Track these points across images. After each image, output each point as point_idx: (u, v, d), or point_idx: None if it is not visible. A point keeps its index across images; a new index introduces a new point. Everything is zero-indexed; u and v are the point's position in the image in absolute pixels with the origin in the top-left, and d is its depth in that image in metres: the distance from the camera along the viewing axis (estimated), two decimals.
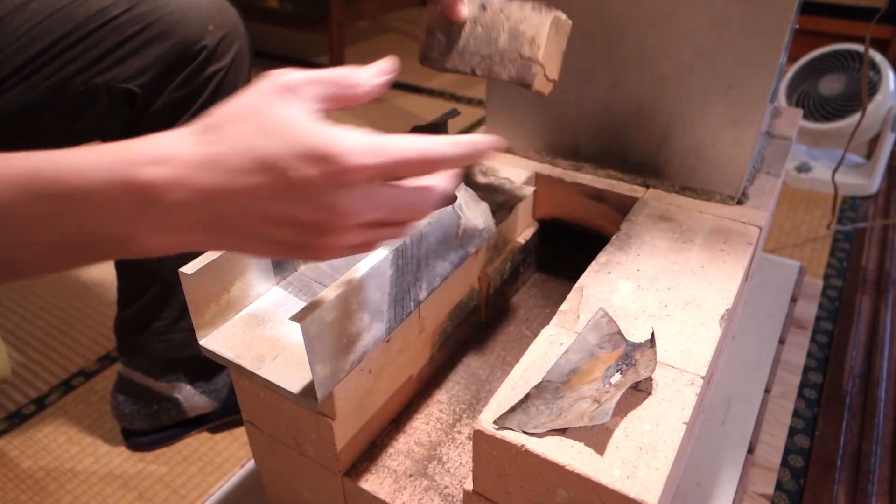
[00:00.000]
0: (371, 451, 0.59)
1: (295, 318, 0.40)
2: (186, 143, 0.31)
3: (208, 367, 0.86)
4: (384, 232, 0.36)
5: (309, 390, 0.46)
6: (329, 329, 0.43)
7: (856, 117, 1.36)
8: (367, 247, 0.36)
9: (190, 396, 0.85)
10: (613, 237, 0.62)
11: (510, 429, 0.42)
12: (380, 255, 0.46)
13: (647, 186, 0.72)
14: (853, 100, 1.40)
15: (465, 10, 0.54)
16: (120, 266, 0.80)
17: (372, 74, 0.36)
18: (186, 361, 0.84)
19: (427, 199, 0.36)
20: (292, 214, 0.32)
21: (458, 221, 0.56)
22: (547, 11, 0.53)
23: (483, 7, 0.54)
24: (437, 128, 0.68)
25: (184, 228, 0.32)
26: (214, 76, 0.69)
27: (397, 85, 2.18)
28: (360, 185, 0.32)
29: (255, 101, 0.32)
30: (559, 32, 0.55)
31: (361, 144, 0.31)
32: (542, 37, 0.53)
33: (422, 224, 0.51)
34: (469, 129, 1.67)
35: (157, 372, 0.83)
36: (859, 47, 1.40)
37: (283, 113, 0.31)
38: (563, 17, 0.55)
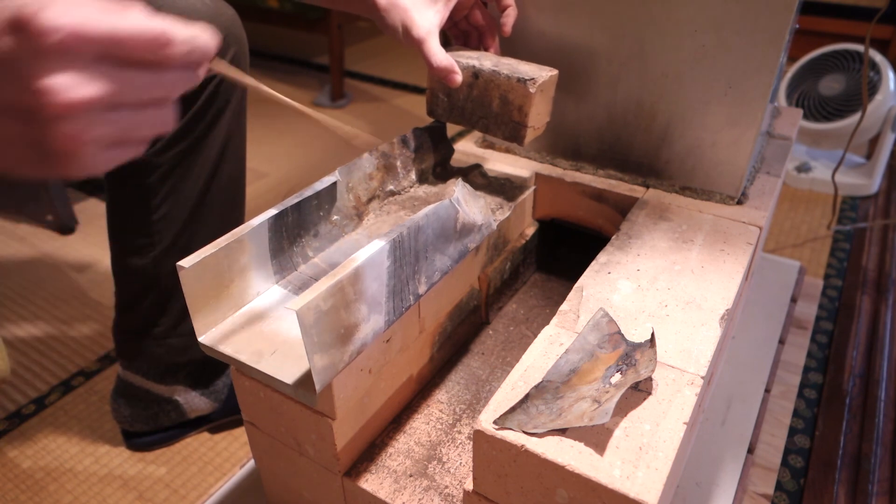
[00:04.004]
0: (371, 451, 0.59)
1: (291, 306, 0.40)
2: None
3: (208, 371, 0.86)
4: (135, 118, 0.29)
5: (307, 382, 0.45)
6: (326, 318, 0.42)
7: (856, 117, 1.36)
8: (126, 144, 0.29)
9: (190, 398, 0.85)
10: (613, 237, 0.62)
11: (510, 429, 0.42)
12: (376, 246, 0.46)
13: (647, 186, 0.72)
14: (853, 100, 1.40)
15: (459, 78, 0.60)
16: (117, 271, 0.79)
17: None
18: (186, 365, 0.84)
19: (170, 67, 0.29)
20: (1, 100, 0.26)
21: (456, 215, 0.56)
22: (531, 83, 0.58)
23: (475, 75, 0.61)
24: (437, 130, 0.69)
25: None
26: (210, 81, 0.69)
27: (397, 85, 2.18)
28: (68, 57, 0.26)
29: None
30: (545, 92, 0.61)
31: (63, 9, 0.26)
32: (528, 106, 0.60)
33: (419, 216, 0.50)
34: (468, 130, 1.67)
35: (157, 375, 0.83)
36: (859, 47, 1.40)
37: None
38: (547, 76, 0.60)
